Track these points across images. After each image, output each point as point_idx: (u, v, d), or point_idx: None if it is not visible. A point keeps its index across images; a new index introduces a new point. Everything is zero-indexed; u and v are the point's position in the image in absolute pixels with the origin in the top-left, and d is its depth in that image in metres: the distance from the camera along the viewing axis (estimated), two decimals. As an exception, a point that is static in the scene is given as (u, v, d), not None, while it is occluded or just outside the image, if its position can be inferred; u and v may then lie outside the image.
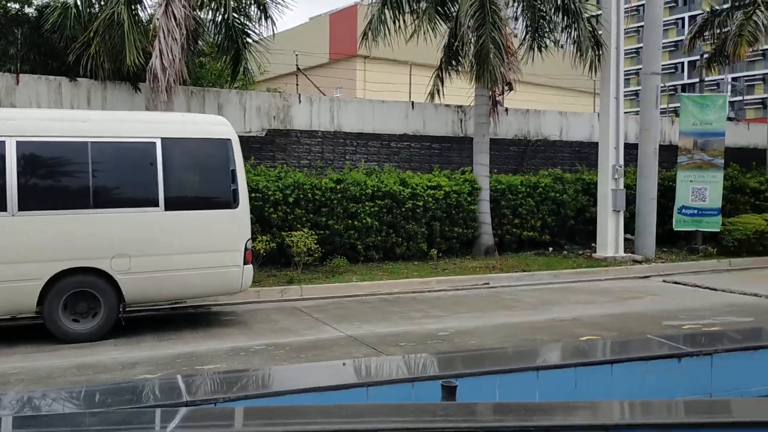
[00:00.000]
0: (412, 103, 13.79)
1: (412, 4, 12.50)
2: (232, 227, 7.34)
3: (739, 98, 59.88)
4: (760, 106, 60.73)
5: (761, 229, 12.61)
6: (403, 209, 11.54)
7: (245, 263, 7.36)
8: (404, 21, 12.61)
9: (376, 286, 9.78)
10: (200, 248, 7.16)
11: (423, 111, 13.72)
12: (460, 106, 13.98)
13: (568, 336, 6.68)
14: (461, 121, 14.03)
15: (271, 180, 10.77)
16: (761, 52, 15.75)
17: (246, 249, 7.37)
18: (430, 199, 11.81)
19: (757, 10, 14.09)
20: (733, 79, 60.03)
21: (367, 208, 11.20)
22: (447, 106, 14.00)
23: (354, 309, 8.40)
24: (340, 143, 12.68)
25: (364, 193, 11.22)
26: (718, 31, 15.54)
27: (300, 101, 12.49)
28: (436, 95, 13.95)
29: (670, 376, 3.26)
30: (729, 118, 22.02)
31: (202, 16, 11.78)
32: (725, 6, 15.82)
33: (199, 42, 12.33)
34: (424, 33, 12.65)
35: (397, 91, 20.80)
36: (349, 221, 11.07)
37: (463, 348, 6.11)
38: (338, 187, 11.04)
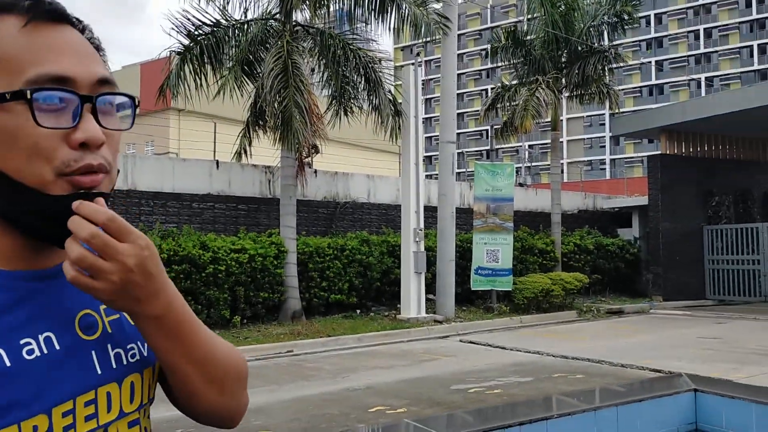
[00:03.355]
0: (217, 162, 13.36)
1: (214, 63, 12.21)
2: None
3: (536, 164, 66.26)
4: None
5: (546, 287, 13.63)
6: (204, 274, 10.95)
7: None
8: (206, 79, 12.27)
9: (167, 359, 9.03)
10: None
11: (229, 170, 13.33)
12: (269, 167, 13.79)
13: (359, 408, 6.53)
14: (269, 181, 13.82)
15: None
16: (549, 123, 17.67)
17: None
18: (234, 263, 11.33)
19: (539, 88, 15.60)
20: (530, 146, 66.37)
21: (161, 273, 10.44)
22: (254, 166, 13.73)
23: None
24: (134, 203, 11.86)
25: (158, 258, 10.48)
26: (509, 104, 17.01)
27: (89, 157, 11.53)
28: (243, 155, 13.65)
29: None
30: (520, 184, 24.07)
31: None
32: (514, 82, 17.41)
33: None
34: (231, 91, 12.40)
35: (217, 145, 20.14)
36: (141, 288, 10.23)
37: None
38: (129, 251, 10.20)
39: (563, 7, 16.28)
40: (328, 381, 8.02)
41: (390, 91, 12.90)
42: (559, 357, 9.09)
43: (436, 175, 14.33)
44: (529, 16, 17.69)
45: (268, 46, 12.63)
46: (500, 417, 3.55)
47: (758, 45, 65.51)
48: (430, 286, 13.49)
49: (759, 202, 18.03)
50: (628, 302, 15.86)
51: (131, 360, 0.88)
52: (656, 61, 69.51)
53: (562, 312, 13.85)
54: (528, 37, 17.15)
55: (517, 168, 36.50)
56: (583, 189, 25.84)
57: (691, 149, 17.59)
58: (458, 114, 71.64)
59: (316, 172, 14.54)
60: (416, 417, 4.87)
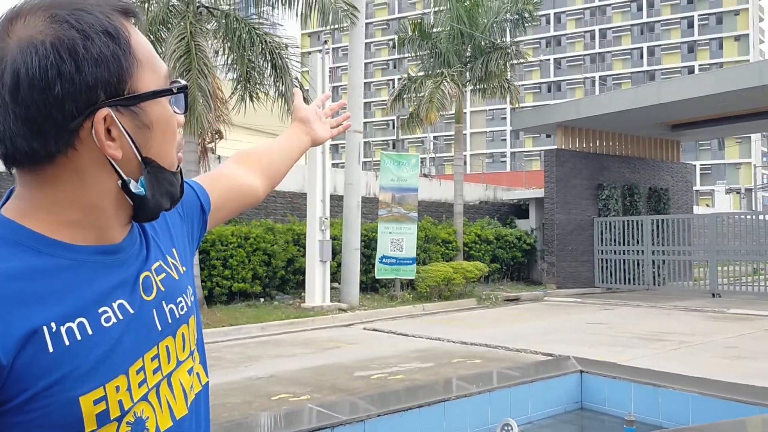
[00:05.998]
0: (115, 145, 12.80)
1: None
2: None
3: (440, 155, 67.51)
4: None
5: (448, 276, 14.01)
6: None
7: None
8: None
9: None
10: None
11: (127, 155, 12.78)
12: (169, 152, 13.32)
13: (261, 396, 6.51)
14: (170, 167, 13.36)
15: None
16: (453, 115, 18.17)
17: None
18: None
19: (444, 81, 15.94)
20: (435, 137, 67.53)
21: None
22: (154, 150, 13.24)
23: None
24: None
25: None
26: (415, 95, 17.28)
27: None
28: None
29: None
30: (424, 175, 24.52)
31: None
32: (420, 74, 17.70)
33: None
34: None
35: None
36: None
37: None
38: None
39: (468, 2, 16.70)
40: (230, 370, 7.92)
41: (297, 78, 12.78)
42: (458, 343, 9.40)
43: (343, 163, 14.36)
44: (436, 9, 18.01)
45: (170, 26, 12.20)
46: (401, 400, 3.67)
47: (647, 47, 69.67)
48: (335, 275, 13.55)
49: (644, 196, 19.26)
50: (524, 290, 16.56)
51: (181, 312, 0.97)
52: (555, 59, 72.48)
53: (462, 300, 14.29)
54: (434, 30, 17.47)
55: (422, 159, 37.14)
56: (485, 181, 26.67)
57: (584, 145, 18.52)
58: (365, 103, 71.77)
59: (219, 158, 14.24)
60: (319, 402, 4.92)
